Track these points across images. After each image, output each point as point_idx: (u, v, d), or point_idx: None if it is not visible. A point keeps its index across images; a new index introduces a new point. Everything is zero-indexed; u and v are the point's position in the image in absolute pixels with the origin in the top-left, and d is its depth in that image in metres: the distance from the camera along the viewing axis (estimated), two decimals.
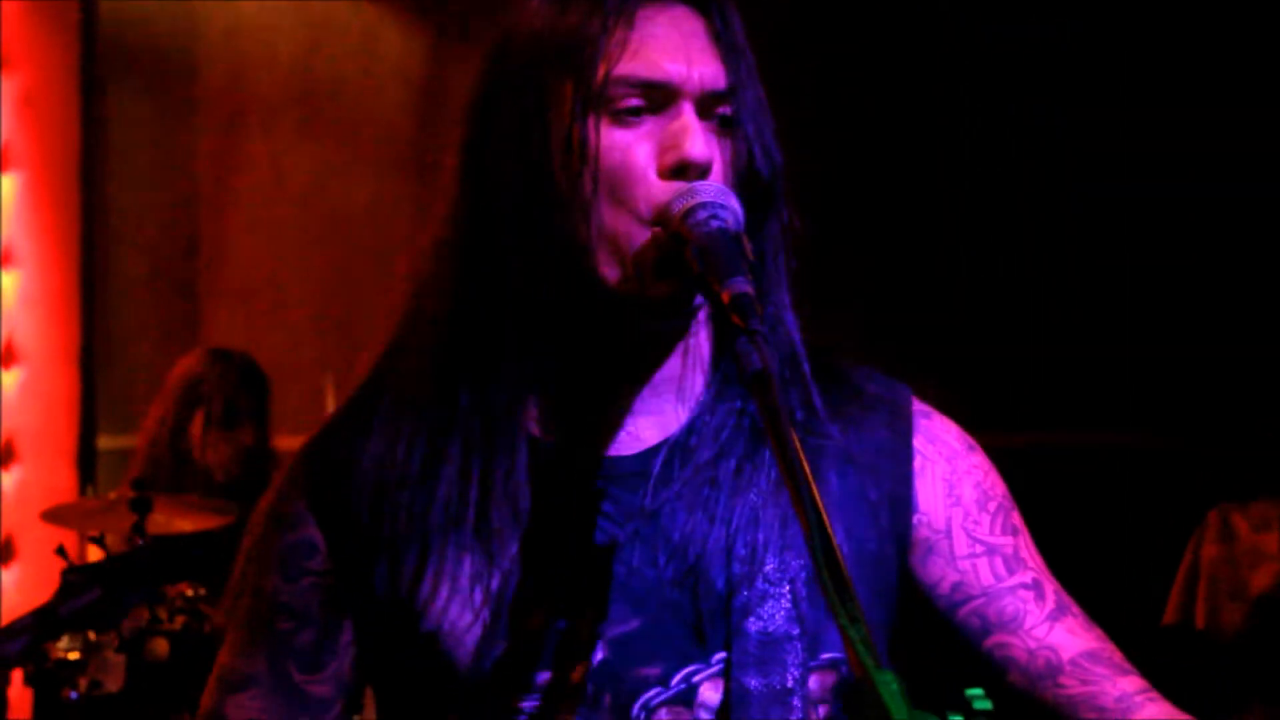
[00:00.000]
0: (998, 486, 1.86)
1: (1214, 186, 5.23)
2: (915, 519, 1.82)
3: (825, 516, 1.40)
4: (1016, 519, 1.86)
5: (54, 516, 4.67)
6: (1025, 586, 1.82)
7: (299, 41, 6.32)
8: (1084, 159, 5.36)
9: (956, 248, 5.39)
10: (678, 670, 1.73)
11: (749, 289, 1.56)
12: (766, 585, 1.74)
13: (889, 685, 1.32)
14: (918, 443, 1.85)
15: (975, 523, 1.83)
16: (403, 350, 1.83)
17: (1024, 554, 1.84)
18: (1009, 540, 1.84)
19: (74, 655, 4.22)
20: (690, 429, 1.80)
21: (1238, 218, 5.23)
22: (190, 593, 4.34)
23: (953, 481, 1.84)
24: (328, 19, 6.31)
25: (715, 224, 1.63)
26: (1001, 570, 1.82)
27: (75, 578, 3.69)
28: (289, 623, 1.81)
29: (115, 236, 6.37)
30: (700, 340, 1.81)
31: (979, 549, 1.83)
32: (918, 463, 1.84)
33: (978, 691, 1.48)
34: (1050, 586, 1.83)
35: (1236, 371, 5.12)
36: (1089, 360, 5.25)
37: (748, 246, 1.63)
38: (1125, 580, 4.86)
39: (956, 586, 1.82)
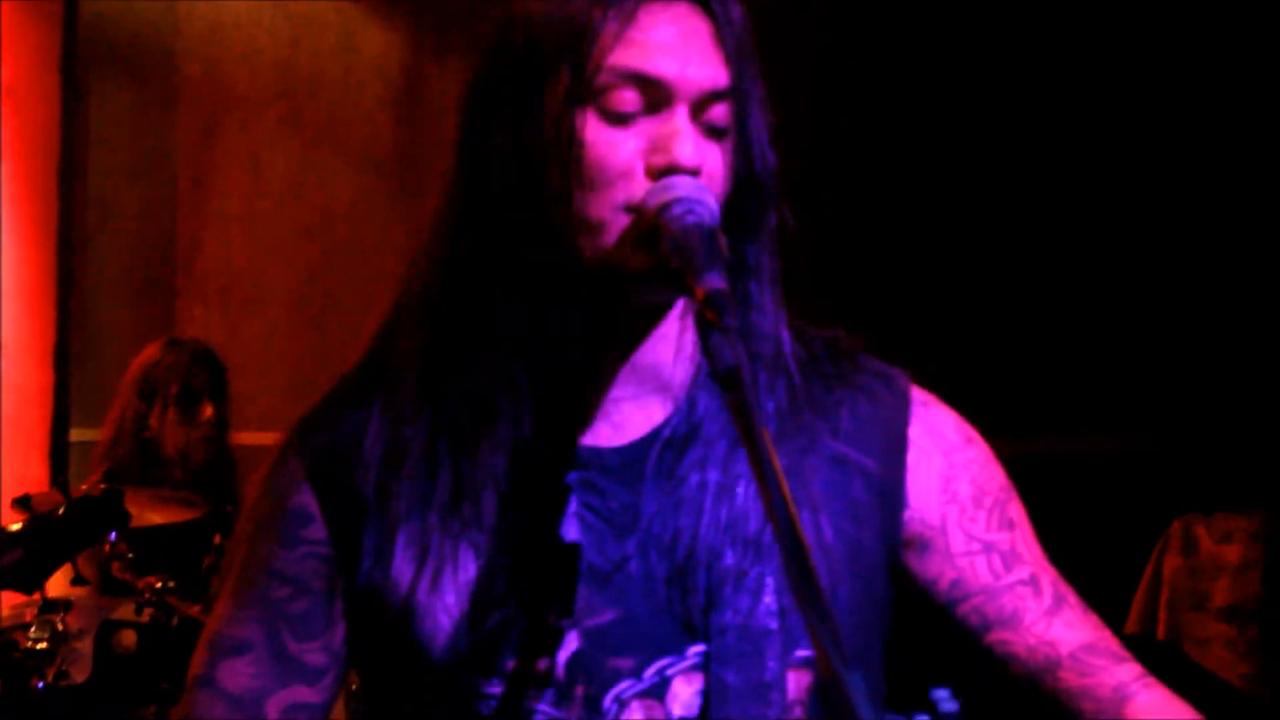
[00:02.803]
0: (994, 479, 1.85)
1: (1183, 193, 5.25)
2: (906, 515, 1.82)
3: (794, 513, 1.40)
4: (1013, 511, 1.85)
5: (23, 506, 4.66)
6: (1023, 583, 1.82)
7: (280, 38, 6.32)
8: (1055, 170, 5.39)
9: (924, 253, 5.40)
10: (651, 663, 1.73)
11: (723, 284, 1.55)
12: (749, 580, 1.74)
13: (855, 684, 1.32)
14: (913, 433, 1.84)
15: (971, 519, 1.83)
16: (398, 330, 1.83)
17: (1020, 548, 1.83)
18: (1005, 536, 1.83)
19: (42, 645, 4.21)
20: (678, 422, 1.79)
21: (1213, 224, 5.25)
22: (159, 585, 4.33)
23: (949, 476, 1.83)
24: (308, 16, 6.31)
25: (691, 219, 1.62)
26: (999, 567, 1.82)
27: None
28: (284, 589, 1.81)
29: (93, 230, 6.36)
30: (686, 331, 1.80)
31: (976, 546, 1.82)
32: (912, 455, 1.83)
33: (944, 693, 1.50)
34: (1047, 578, 1.83)
35: (1202, 380, 5.13)
36: (1053, 366, 5.26)
37: (723, 242, 1.63)
38: (1088, 589, 4.87)
39: (955, 584, 1.83)
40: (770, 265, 1.80)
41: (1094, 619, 1.84)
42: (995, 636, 1.82)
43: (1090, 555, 5.02)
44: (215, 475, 5.02)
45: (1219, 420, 5.06)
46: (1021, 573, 1.82)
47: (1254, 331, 5.11)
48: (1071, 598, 1.84)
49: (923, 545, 1.83)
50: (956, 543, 1.83)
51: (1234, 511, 4.68)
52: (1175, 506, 4.77)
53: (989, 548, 1.83)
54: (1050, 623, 1.81)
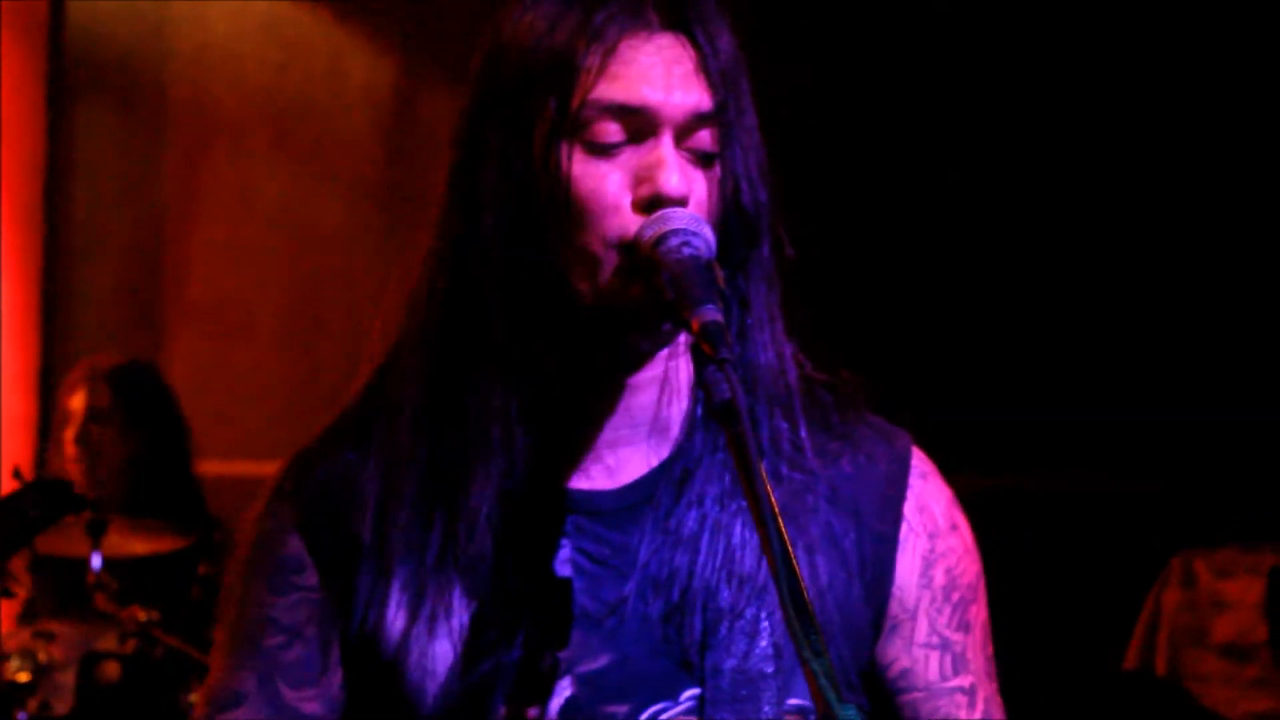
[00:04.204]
0: (967, 574, 1.85)
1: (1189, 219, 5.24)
2: (892, 588, 1.81)
3: (791, 551, 1.40)
4: (974, 613, 1.85)
5: None
6: (962, 691, 1.83)
7: (268, 62, 6.30)
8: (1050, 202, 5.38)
9: (922, 287, 5.39)
10: (645, 708, 1.72)
11: (719, 317, 1.55)
12: (745, 623, 1.73)
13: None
14: (907, 509, 1.83)
15: (938, 611, 1.83)
16: (395, 369, 1.81)
17: (970, 653, 1.84)
18: (961, 638, 1.84)
19: (24, 677, 4.19)
20: (675, 462, 1.78)
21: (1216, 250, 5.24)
22: (143, 617, 4.29)
23: (930, 561, 1.83)
24: (297, 41, 6.29)
25: (687, 251, 1.62)
26: (948, 669, 1.83)
27: None
28: (277, 638, 1.79)
29: (79, 254, 6.34)
30: (678, 370, 1.79)
31: (935, 640, 1.83)
32: (903, 529, 1.82)
33: None
34: (983, 694, 1.84)
35: (1204, 417, 5.11)
36: (1054, 403, 5.24)
37: (719, 275, 1.62)
38: (1087, 624, 4.85)
39: (904, 673, 1.83)
40: (767, 296, 1.78)
41: None
42: None
43: (1090, 590, 5.03)
44: (165, 499, 4.85)
45: (1221, 455, 5.04)
46: (964, 680, 1.83)
47: (1256, 367, 5.10)
48: (997, 715, 1.85)
49: (893, 626, 1.82)
50: (920, 632, 1.82)
51: (1235, 547, 4.66)
52: (1177, 540, 4.76)
53: (945, 645, 1.83)
54: None
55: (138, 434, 4.89)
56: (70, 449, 4.86)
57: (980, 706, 1.83)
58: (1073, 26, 5.34)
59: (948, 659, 1.82)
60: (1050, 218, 5.39)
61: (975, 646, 1.84)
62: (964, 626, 1.83)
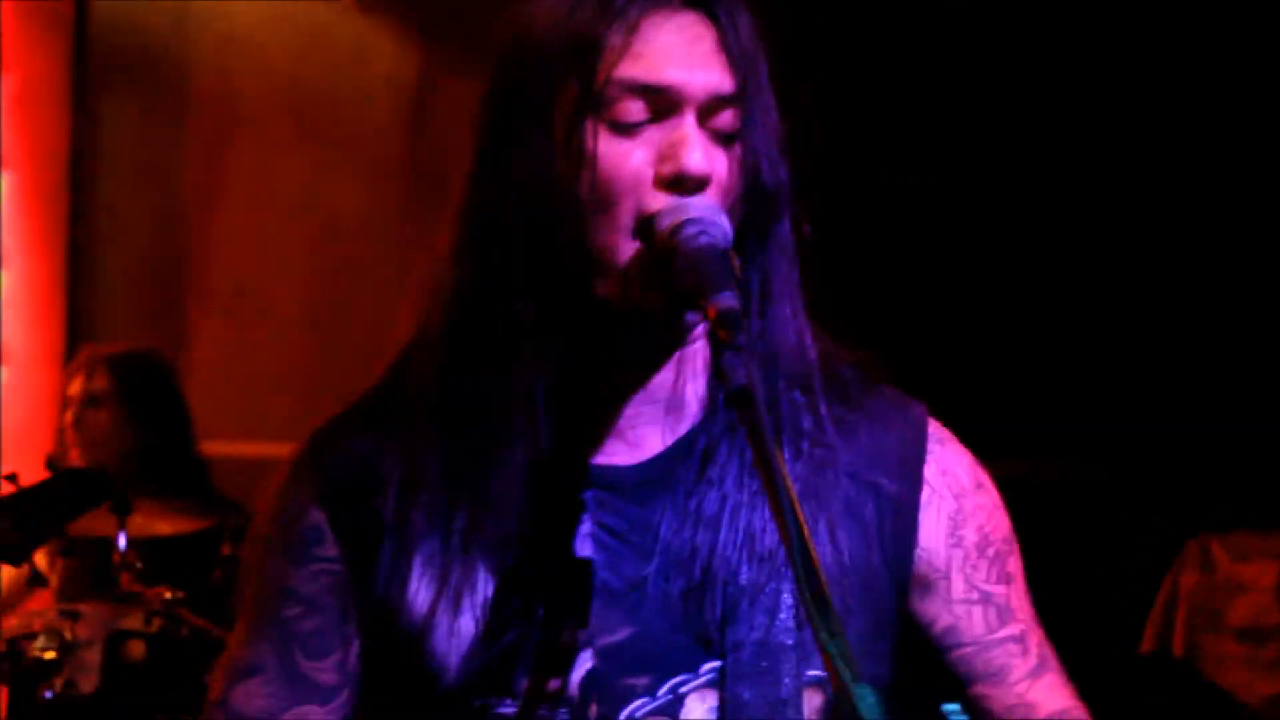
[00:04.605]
0: (1000, 528, 1.88)
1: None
2: (916, 553, 1.84)
3: (806, 532, 1.41)
4: (1013, 564, 1.88)
5: None
6: (1013, 639, 1.85)
7: (291, 50, 6.30)
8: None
9: (931, 268, 5.38)
10: (665, 680, 1.75)
11: (735, 304, 1.57)
12: (765, 597, 1.75)
13: (866, 699, 1.33)
14: (928, 473, 1.85)
15: (974, 567, 1.85)
16: (416, 353, 1.83)
17: (1015, 603, 1.87)
18: (1003, 589, 1.86)
19: (50, 655, 4.21)
20: (693, 439, 1.80)
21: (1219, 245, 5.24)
22: (168, 595, 4.32)
23: (958, 520, 1.85)
24: (320, 28, 6.29)
25: (704, 239, 1.63)
26: (994, 620, 1.85)
27: None
28: (295, 609, 1.82)
29: (103, 240, 6.35)
30: (695, 349, 1.81)
31: (974, 595, 1.85)
32: (925, 494, 1.85)
33: (954, 707, 1.51)
34: (1034, 639, 1.87)
35: (1223, 399, 5.11)
36: (1071, 386, 5.24)
37: (735, 263, 1.64)
38: (1105, 606, 4.85)
39: (949, 630, 1.85)
40: (786, 274, 1.80)
41: (1071, 687, 1.87)
42: (978, 690, 1.85)
43: (1107, 574, 5.03)
44: (170, 483, 4.85)
45: (1239, 438, 5.03)
46: (1013, 629, 1.86)
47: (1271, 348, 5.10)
48: (1053, 662, 1.87)
49: (925, 586, 1.85)
50: (957, 589, 1.85)
51: (1253, 530, 4.66)
52: (1194, 523, 4.76)
53: (986, 599, 1.85)
54: (1032, 685, 1.84)
55: (136, 419, 4.94)
56: (69, 434, 4.92)
57: (1034, 651, 1.85)
58: (1090, 22, 5.34)
59: (991, 611, 1.85)
60: (1068, 204, 5.39)
61: (1019, 595, 1.87)
62: (1004, 579, 1.86)
